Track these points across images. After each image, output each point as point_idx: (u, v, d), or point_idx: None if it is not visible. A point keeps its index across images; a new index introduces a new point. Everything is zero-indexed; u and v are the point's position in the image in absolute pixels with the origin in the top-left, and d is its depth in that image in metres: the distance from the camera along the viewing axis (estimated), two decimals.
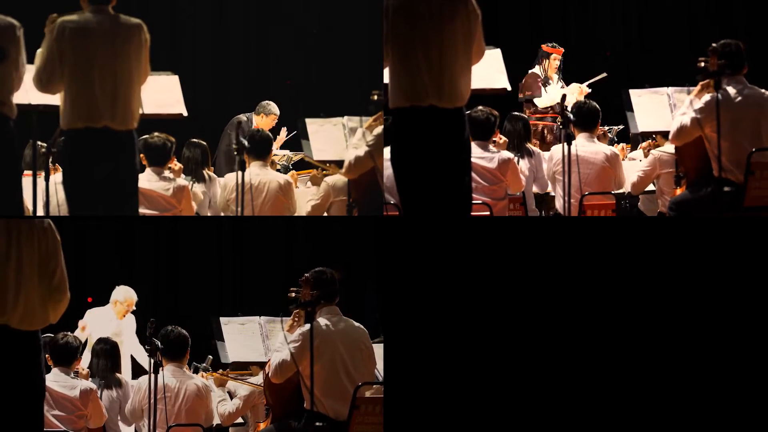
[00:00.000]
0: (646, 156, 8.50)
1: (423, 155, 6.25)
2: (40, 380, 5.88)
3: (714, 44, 7.04)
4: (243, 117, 11.02)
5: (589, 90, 10.95)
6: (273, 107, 11.21)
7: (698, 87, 7.14)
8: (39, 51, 6.31)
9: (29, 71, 6.36)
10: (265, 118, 11.14)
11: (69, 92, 6.26)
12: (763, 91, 7.16)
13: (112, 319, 9.31)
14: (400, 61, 6.31)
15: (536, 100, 10.96)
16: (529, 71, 11.09)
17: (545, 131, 10.75)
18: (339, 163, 7.54)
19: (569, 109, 7.55)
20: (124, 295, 9.39)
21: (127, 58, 6.29)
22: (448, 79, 6.25)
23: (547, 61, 11.15)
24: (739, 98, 7.07)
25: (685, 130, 7.13)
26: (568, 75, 11.22)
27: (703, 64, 6.97)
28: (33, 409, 5.82)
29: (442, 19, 6.26)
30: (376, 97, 6.69)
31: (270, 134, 8.32)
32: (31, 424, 5.81)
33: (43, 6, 7.33)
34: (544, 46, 11.21)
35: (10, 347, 5.73)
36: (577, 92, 10.80)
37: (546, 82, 11.08)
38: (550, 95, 10.98)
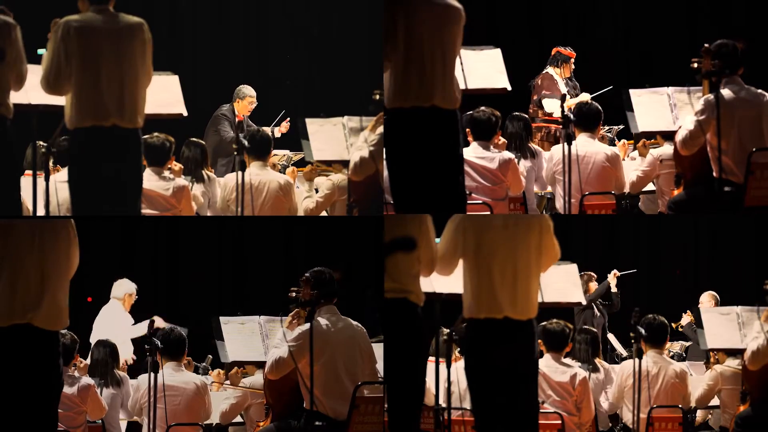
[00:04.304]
0: (642, 155, 8.48)
1: (418, 156, 6.22)
2: (59, 380, 5.89)
3: (707, 45, 7.00)
4: (223, 108, 11.20)
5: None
6: (247, 89, 11.31)
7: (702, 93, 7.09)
8: (44, 53, 6.27)
9: (31, 72, 6.33)
10: (241, 102, 11.26)
11: (75, 91, 6.23)
12: (760, 91, 7.14)
13: (120, 314, 9.45)
14: (397, 62, 6.29)
15: (544, 102, 10.84)
16: (544, 71, 10.99)
17: (557, 133, 10.58)
18: (344, 163, 7.53)
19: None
20: (125, 288, 9.75)
21: (132, 56, 6.28)
22: (441, 81, 6.22)
23: (567, 64, 11.00)
24: (737, 99, 7.05)
25: (691, 136, 7.08)
26: None
27: (696, 65, 6.95)
28: (49, 407, 5.84)
29: (438, 21, 6.24)
30: (378, 97, 6.66)
31: (269, 134, 8.30)
32: (45, 422, 5.83)
33: (43, 6, 7.33)
34: (561, 50, 10.98)
35: (34, 346, 5.75)
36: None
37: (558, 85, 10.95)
38: (556, 102, 10.84)
